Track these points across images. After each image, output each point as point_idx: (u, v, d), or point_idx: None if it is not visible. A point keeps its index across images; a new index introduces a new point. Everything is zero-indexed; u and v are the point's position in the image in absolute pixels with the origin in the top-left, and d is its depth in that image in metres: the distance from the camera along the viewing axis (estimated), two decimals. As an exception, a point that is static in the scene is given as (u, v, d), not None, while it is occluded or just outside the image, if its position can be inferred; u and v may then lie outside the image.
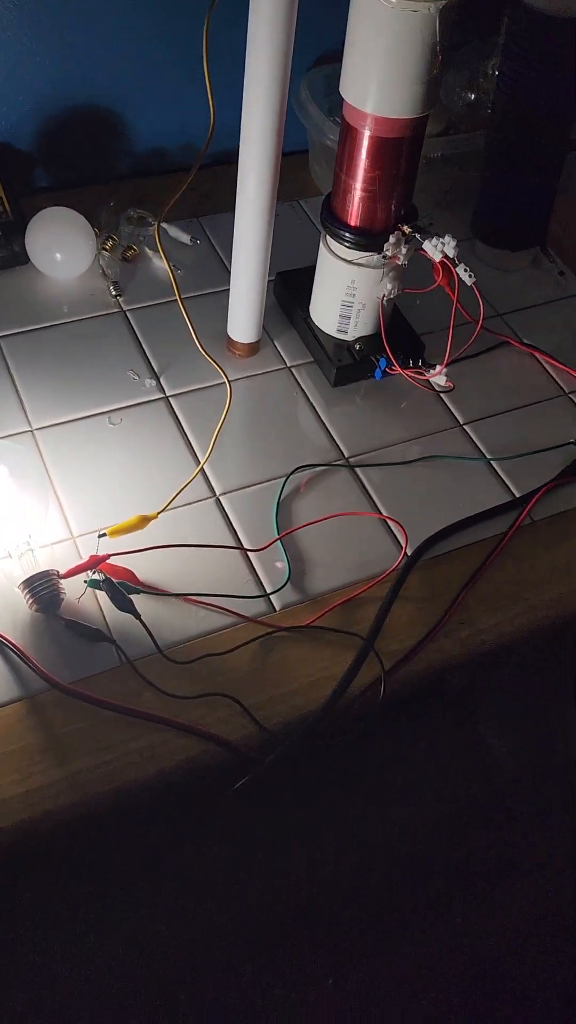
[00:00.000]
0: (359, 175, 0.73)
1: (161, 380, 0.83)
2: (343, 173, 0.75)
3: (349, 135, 0.72)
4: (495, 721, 1.19)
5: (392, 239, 0.75)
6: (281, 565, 0.71)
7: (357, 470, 0.79)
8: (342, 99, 0.71)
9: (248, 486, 0.77)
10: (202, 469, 0.77)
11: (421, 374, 0.82)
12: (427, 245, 0.75)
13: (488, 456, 0.82)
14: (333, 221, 0.78)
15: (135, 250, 0.93)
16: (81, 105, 0.95)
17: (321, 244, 0.81)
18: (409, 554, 0.73)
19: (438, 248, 0.75)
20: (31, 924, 1.02)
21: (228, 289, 0.83)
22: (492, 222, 0.98)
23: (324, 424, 0.83)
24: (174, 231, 0.96)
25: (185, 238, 0.96)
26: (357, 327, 0.84)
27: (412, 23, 0.62)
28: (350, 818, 1.02)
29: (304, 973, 1.04)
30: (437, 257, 0.75)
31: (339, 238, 0.78)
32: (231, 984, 1.02)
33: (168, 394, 0.83)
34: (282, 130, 0.70)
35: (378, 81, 0.66)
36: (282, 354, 0.88)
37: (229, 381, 0.83)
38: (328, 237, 0.79)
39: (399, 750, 0.96)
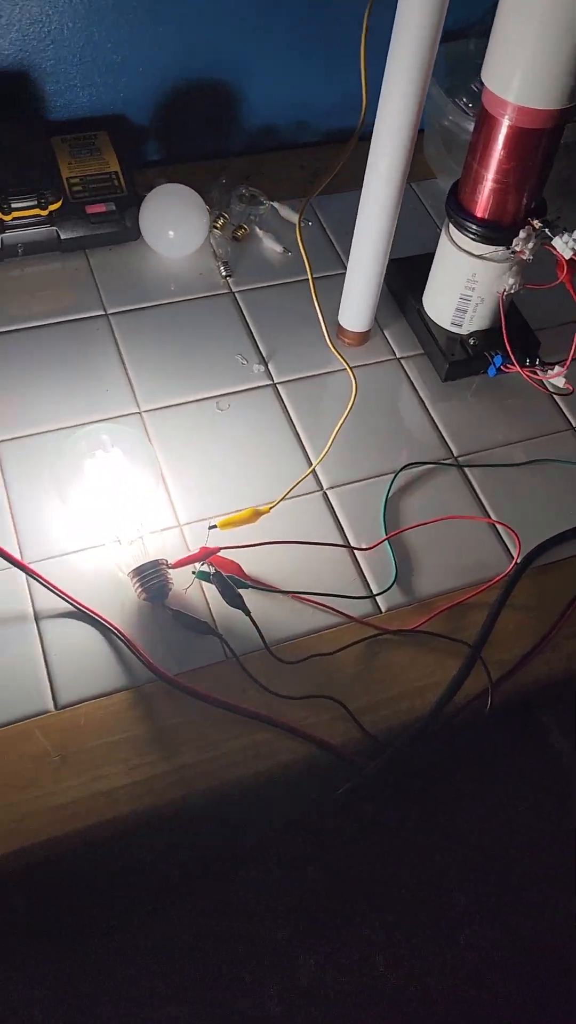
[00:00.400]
0: (493, 165, 0.70)
1: (269, 366, 0.82)
2: (475, 162, 0.72)
3: (486, 123, 0.69)
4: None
5: (522, 234, 0.73)
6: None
7: (466, 470, 0.77)
8: (482, 85, 0.67)
9: (356, 481, 0.76)
10: (317, 462, 0.75)
11: (537, 374, 0.80)
12: (557, 242, 0.72)
13: (603, 462, 0.79)
14: (459, 211, 0.75)
15: (245, 229, 0.91)
16: (198, 78, 0.93)
17: (443, 233, 0.78)
18: (519, 561, 0.71)
19: (568, 245, 0.72)
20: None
21: (339, 274, 0.81)
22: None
23: (433, 420, 0.81)
24: (285, 211, 0.94)
25: (294, 219, 0.93)
26: (473, 321, 0.81)
27: (568, 8, 0.58)
28: (460, 828, 1.01)
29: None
30: (567, 254, 0.72)
31: (464, 229, 0.75)
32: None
33: (276, 381, 0.81)
34: (420, 110, 0.67)
35: (524, 69, 0.63)
36: (392, 344, 0.86)
37: (352, 370, 0.81)
38: (452, 227, 0.77)
39: (504, 761, 0.94)
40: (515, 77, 0.64)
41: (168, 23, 0.88)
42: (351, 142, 0.82)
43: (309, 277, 0.77)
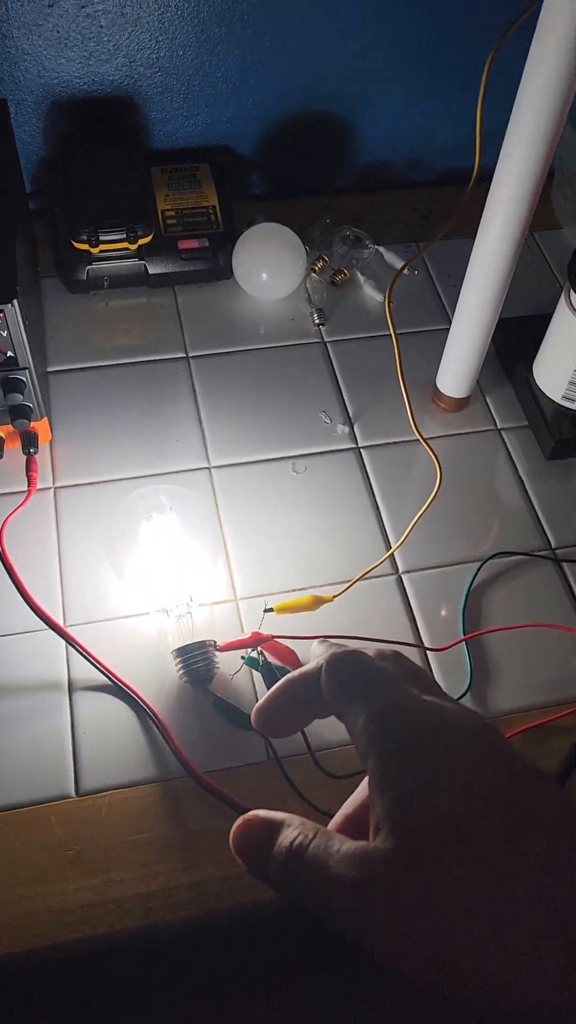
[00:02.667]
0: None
1: (355, 427, 0.75)
2: (605, 224, 0.63)
3: (623, 183, 0.60)
4: None
5: None
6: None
7: (563, 565, 0.69)
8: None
9: (436, 567, 0.68)
10: (390, 550, 0.68)
11: None
12: None
13: None
14: (582, 277, 0.67)
15: (345, 274, 0.85)
16: (308, 112, 0.88)
17: (562, 298, 0.70)
18: (616, 682, 0.62)
19: None
20: None
21: (442, 330, 0.73)
22: None
23: (531, 503, 0.72)
24: (390, 256, 0.87)
25: (399, 265, 0.86)
26: (587, 396, 0.72)
27: None
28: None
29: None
30: None
31: (586, 297, 0.66)
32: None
33: (360, 445, 0.74)
34: (550, 157, 0.59)
35: None
36: (493, 413, 0.78)
37: (430, 446, 0.74)
38: (573, 292, 0.68)
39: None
40: None
41: (283, 54, 0.83)
42: (469, 187, 0.75)
43: (392, 333, 0.69)
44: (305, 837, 0.30)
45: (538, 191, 0.60)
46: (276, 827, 0.31)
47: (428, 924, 0.27)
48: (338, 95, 0.88)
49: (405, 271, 0.86)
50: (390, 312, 0.63)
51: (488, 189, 0.61)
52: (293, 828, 0.30)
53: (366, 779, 0.32)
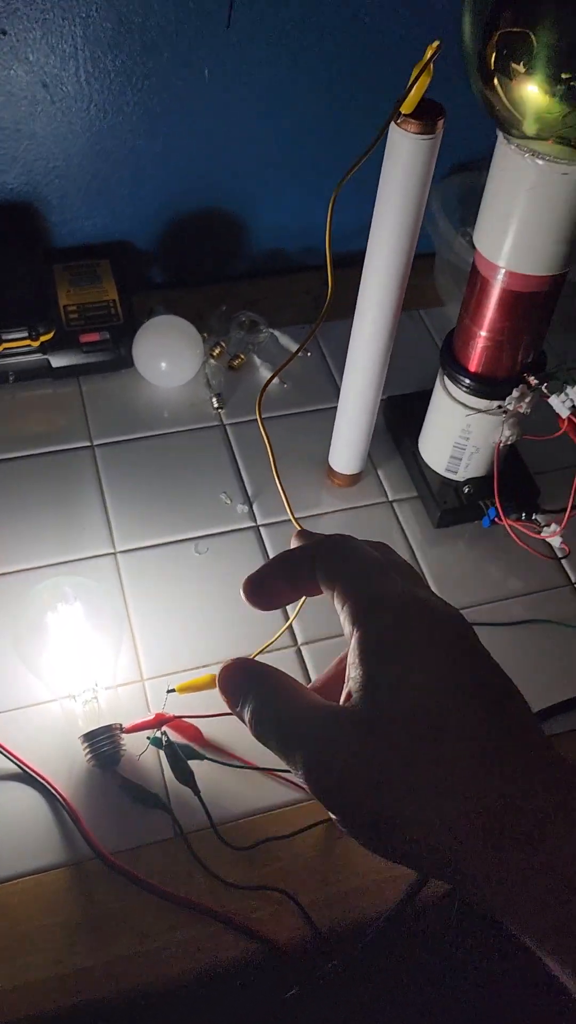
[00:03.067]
0: (485, 324, 0.68)
1: (254, 506, 0.80)
2: (468, 318, 0.69)
3: (479, 283, 0.67)
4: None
5: (516, 392, 0.70)
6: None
7: (452, 629, 0.73)
8: (474, 247, 0.65)
9: (333, 636, 0.72)
10: (288, 624, 0.72)
11: (533, 529, 0.76)
12: (554, 400, 0.69)
13: (599, 627, 0.74)
14: (452, 363, 0.73)
15: (242, 359, 0.90)
16: (202, 207, 0.94)
17: (438, 381, 0.76)
18: (500, 739, 0.66)
19: (566, 404, 0.69)
20: None
21: (332, 408, 0.78)
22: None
23: (422, 569, 0.77)
24: (284, 339, 0.93)
25: (294, 348, 0.92)
26: (468, 468, 0.78)
27: (560, 185, 0.56)
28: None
29: None
30: (564, 414, 0.69)
31: (458, 382, 0.72)
32: None
33: (259, 523, 0.79)
34: (413, 245, 0.63)
35: (515, 237, 0.61)
36: (385, 486, 0.83)
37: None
38: (446, 378, 0.74)
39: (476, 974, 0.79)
40: (505, 243, 0.62)
41: (175, 157, 0.88)
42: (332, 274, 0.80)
43: (260, 425, 0.73)
44: (270, 700, 0.32)
45: (403, 281, 0.65)
46: (250, 682, 0.33)
47: (379, 781, 0.29)
48: (229, 190, 0.94)
49: (299, 354, 0.92)
50: (259, 406, 0.67)
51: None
52: (261, 687, 0.33)
53: (341, 654, 0.34)
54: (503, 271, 0.64)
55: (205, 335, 0.89)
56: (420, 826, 0.29)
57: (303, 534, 0.38)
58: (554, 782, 0.29)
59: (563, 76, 0.49)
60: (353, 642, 0.32)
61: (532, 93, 0.51)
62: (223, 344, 0.90)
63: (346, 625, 0.33)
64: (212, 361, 0.89)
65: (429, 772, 0.29)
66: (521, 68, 0.50)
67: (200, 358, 0.87)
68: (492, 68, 0.52)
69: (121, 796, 0.62)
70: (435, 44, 0.53)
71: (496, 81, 0.52)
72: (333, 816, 0.31)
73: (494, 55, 0.51)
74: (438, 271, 1.01)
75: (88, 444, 0.82)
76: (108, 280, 0.88)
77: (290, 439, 0.84)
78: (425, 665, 0.31)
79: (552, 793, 0.29)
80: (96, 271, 0.88)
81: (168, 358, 0.84)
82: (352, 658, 0.32)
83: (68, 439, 0.82)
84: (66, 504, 0.78)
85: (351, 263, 0.68)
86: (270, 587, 0.37)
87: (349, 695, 0.31)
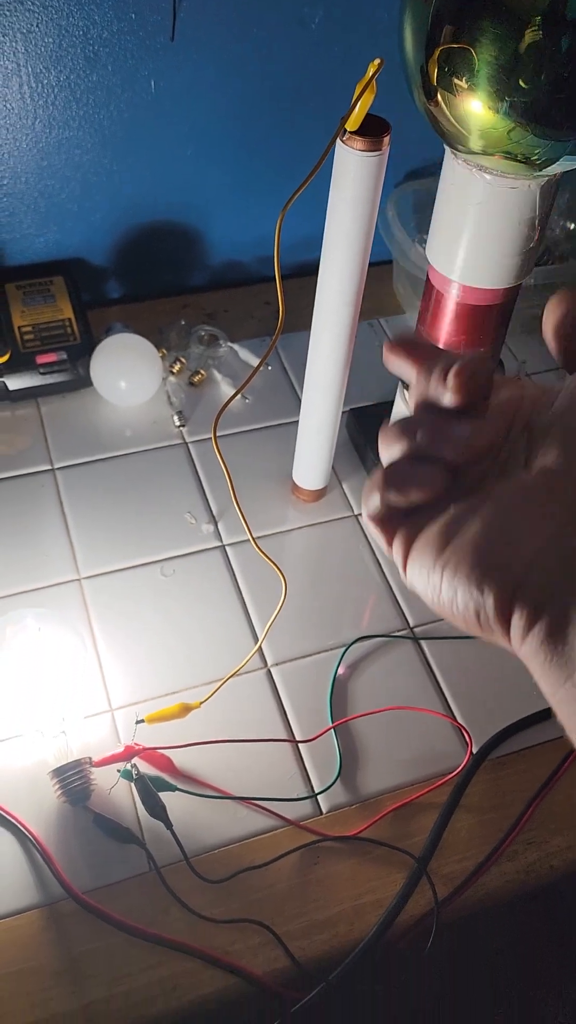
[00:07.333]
0: (442, 337, 0.67)
1: (219, 525, 0.79)
2: (425, 330, 0.69)
3: (434, 297, 0.66)
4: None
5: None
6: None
7: (422, 643, 0.73)
8: (428, 263, 0.65)
9: (304, 656, 0.71)
10: (255, 649, 0.71)
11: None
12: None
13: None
14: (412, 375, 0.72)
15: (202, 375, 0.89)
16: (155, 221, 0.92)
17: (398, 394, 0.75)
18: (475, 753, 0.66)
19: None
20: None
21: (294, 422, 0.77)
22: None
23: (389, 585, 0.77)
24: (244, 353, 0.91)
25: (254, 362, 0.91)
26: (432, 479, 0.77)
27: (509, 199, 0.56)
28: None
29: None
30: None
31: (417, 394, 0.72)
32: None
33: (225, 543, 0.78)
34: (367, 256, 0.62)
35: (466, 252, 0.60)
36: (350, 500, 0.82)
37: (281, 571, 0.78)
38: (405, 392, 0.73)
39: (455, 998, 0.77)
40: (458, 258, 0.61)
41: (123, 172, 0.87)
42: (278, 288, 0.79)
43: (216, 448, 0.72)
44: None
45: (358, 296, 0.65)
46: None
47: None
48: (182, 204, 0.92)
49: (260, 368, 0.91)
50: (215, 428, 0.66)
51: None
52: None
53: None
54: (457, 285, 0.63)
55: (164, 351, 0.88)
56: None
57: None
58: None
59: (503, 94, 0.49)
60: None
61: (476, 109, 0.50)
62: (183, 360, 0.89)
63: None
64: (172, 378, 0.88)
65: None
66: (464, 84, 0.50)
67: (159, 375, 0.86)
68: (435, 84, 0.51)
69: (93, 832, 0.61)
70: (377, 62, 0.52)
71: (440, 97, 0.52)
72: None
73: (436, 71, 0.51)
74: (396, 279, 1.00)
75: (49, 467, 0.81)
76: (63, 298, 0.86)
77: (253, 455, 0.83)
78: None
79: None
80: (50, 289, 0.87)
81: (127, 377, 0.83)
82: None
83: (28, 463, 0.81)
84: (27, 531, 0.76)
85: (310, 271, 0.67)
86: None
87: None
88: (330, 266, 0.63)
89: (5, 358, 0.81)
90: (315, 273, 0.65)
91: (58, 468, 0.81)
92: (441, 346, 0.68)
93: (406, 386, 0.73)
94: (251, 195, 0.94)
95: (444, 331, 0.67)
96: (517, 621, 0.30)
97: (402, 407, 0.74)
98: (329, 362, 0.69)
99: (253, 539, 0.65)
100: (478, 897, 0.61)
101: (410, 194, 0.95)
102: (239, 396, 0.87)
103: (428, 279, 0.66)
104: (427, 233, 0.93)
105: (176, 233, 0.94)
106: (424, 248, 0.89)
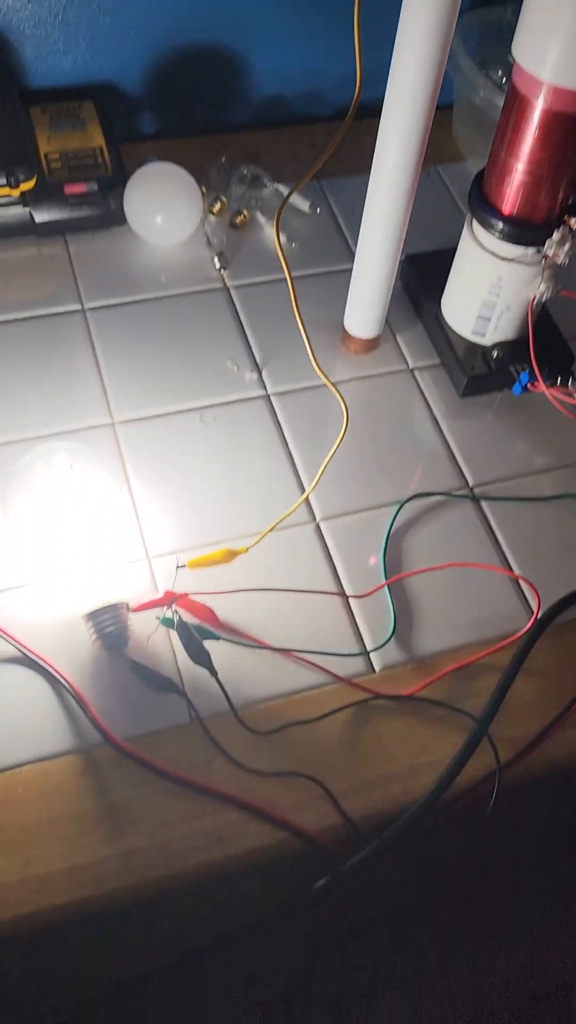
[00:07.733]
0: (524, 155, 0.60)
1: (263, 373, 0.73)
2: (503, 150, 0.61)
3: (517, 105, 0.58)
4: None
5: (557, 235, 0.62)
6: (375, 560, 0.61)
7: (482, 503, 0.68)
8: (513, 60, 0.57)
9: (354, 512, 0.66)
10: (305, 496, 0.66)
11: (570, 396, 0.70)
12: (599, 244, 0.62)
13: None
14: (484, 206, 0.65)
15: (245, 216, 0.81)
16: (197, 44, 0.83)
17: (465, 229, 0.68)
18: (540, 617, 0.62)
19: (612, 248, 0.62)
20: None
21: (349, 270, 0.71)
22: None
23: (447, 442, 0.71)
24: (293, 196, 0.84)
25: (304, 205, 0.83)
26: (497, 330, 0.71)
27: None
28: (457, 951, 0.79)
29: None
30: (610, 259, 0.62)
31: (489, 227, 0.65)
32: None
33: (270, 392, 0.72)
34: (439, 86, 0.56)
35: (563, 44, 0.53)
36: (404, 352, 0.76)
37: (337, 389, 0.72)
38: (475, 224, 0.66)
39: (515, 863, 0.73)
40: (551, 51, 0.53)
41: (166, -20, 0.78)
42: (347, 119, 0.72)
43: (287, 276, 0.65)
44: None
45: (427, 126, 0.58)
46: None
47: None
48: (224, 27, 0.83)
49: (307, 210, 0.83)
50: (281, 248, 0.59)
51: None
52: None
53: None
54: (546, 87, 0.55)
55: (203, 189, 0.80)
56: None
57: None
58: None
59: None
60: None
61: None
62: (224, 199, 0.81)
63: None
64: (212, 217, 0.80)
65: None
66: None
67: (199, 213, 0.78)
68: None
69: (130, 680, 0.57)
70: None
71: None
72: None
73: None
74: (458, 121, 0.92)
75: (79, 308, 0.74)
76: (94, 124, 0.78)
77: (299, 302, 0.77)
78: None
79: None
80: (79, 114, 0.79)
81: (164, 211, 0.76)
82: None
83: (56, 303, 0.74)
84: (57, 372, 0.70)
85: (364, 113, 0.59)
86: None
87: None
88: (399, 96, 0.56)
89: (30, 184, 0.73)
90: (368, 116, 0.59)
91: (89, 309, 0.75)
92: (521, 169, 0.61)
93: (477, 221, 0.66)
94: (302, 20, 0.84)
95: (527, 149, 0.60)
96: None
97: (470, 247, 0.67)
98: (392, 198, 0.62)
99: (321, 371, 0.58)
100: (540, 762, 0.57)
101: (476, 24, 0.86)
102: (284, 240, 0.79)
103: (512, 86, 0.58)
104: (492, 68, 0.84)
105: (217, 61, 0.85)
106: (493, 81, 0.81)
